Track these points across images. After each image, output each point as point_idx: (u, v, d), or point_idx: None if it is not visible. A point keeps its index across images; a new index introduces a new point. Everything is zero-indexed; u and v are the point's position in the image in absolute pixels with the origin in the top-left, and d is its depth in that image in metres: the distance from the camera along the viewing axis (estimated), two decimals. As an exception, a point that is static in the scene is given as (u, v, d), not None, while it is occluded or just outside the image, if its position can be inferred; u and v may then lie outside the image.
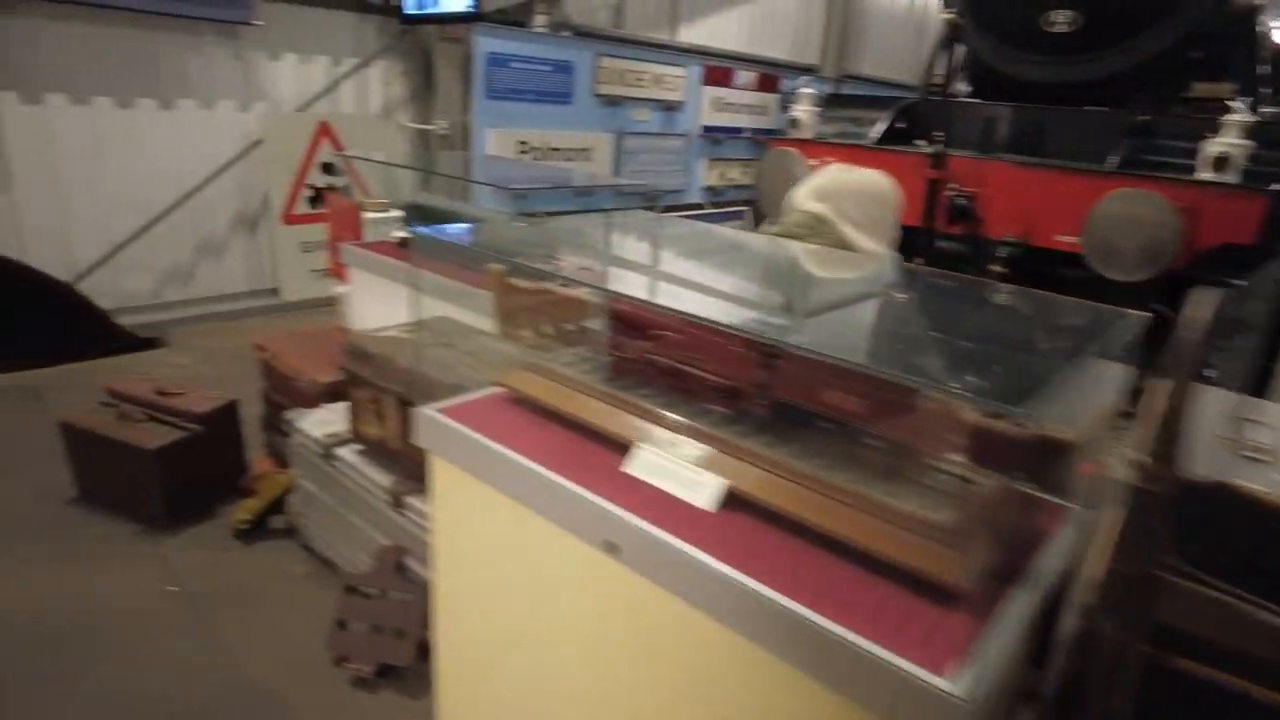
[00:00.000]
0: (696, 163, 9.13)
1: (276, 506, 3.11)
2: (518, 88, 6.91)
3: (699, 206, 9.38)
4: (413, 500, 2.38)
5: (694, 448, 1.44)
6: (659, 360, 1.65)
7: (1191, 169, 3.65)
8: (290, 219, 5.94)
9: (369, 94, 6.39)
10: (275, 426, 3.53)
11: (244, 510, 3.05)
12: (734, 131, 9.43)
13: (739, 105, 9.37)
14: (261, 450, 3.58)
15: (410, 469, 2.43)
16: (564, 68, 7.25)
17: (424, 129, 6.64)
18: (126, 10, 4.92)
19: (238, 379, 4.63)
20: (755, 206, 8.03)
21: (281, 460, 3.45)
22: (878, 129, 6.00)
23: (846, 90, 10.50)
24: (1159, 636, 1.20)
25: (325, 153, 6.06)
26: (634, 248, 2.40)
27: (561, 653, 1.53)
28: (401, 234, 3.96)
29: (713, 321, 1.39)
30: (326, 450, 2.67)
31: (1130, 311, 1.47)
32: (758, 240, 2.46)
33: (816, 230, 2.05)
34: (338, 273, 4.14)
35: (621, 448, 1.49)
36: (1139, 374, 1.42)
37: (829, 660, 1.08)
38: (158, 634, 2.56)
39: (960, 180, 4.21)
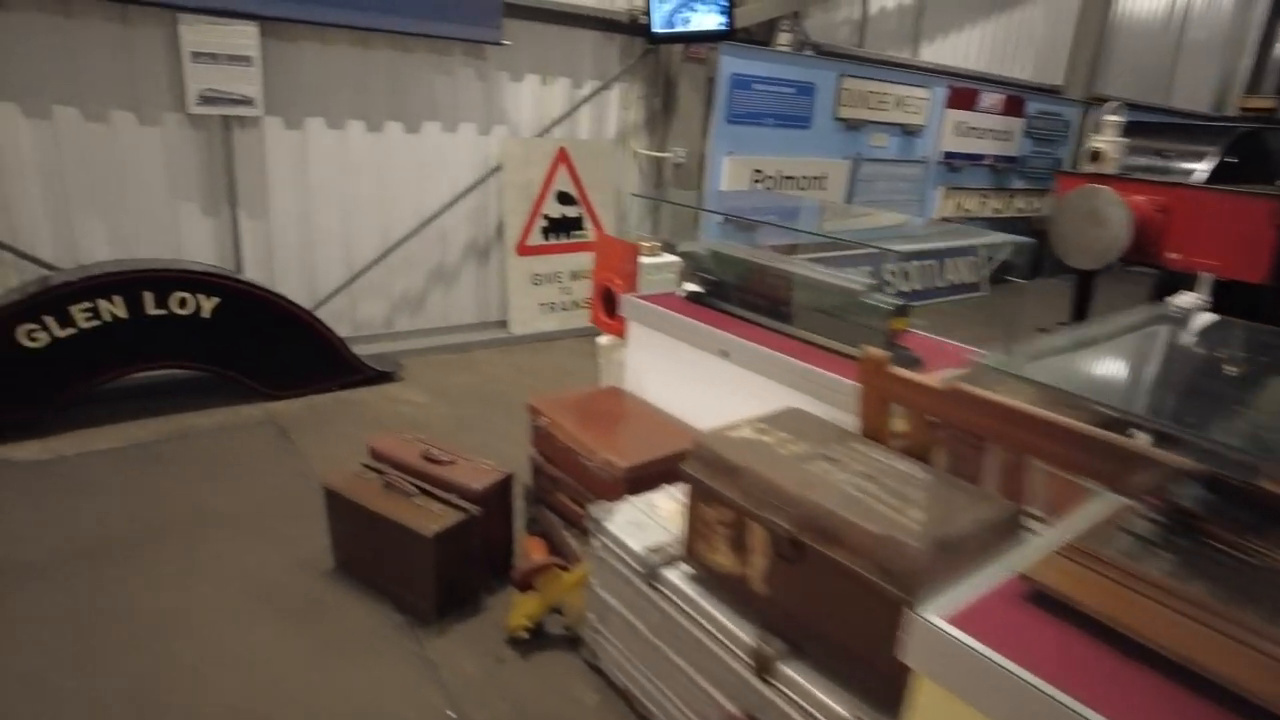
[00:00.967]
0: (932, 192, 8.23)
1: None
2: (758, 111, 6.34)
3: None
4: (787, 670, 1.77)
5: None
6: None
7: None
8: (523, 250, 5.64)
9: (606, 119, 6.02)
10: (544, 500, 3.07)
11: (522, 614, 2.57)
12: (975, 159, 8.45)
13: (982, 130, 8.38)
14: (525, 526, 3.14)
15: (776, 621, 1.82)
16: (806, 90, 6.61)
17: (659, 156, 6.20)
18: (387, 33, 4.75)
19: (478, 423, 4.29)
20: (1032, 247, 7.05)
21: (551, 543, 2.98)
22: (1204, 165, 4.95)
23: (1140, 118, 9.23)
24: None
25: (561, 180, 5.72)
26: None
27: None
28: (692, 287, 3.45)
29: None
30: (650, 571, 2.13)
31: None
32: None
33: None
34: (604, 323, 3.68)
35: None
36: None
37: None
38: (442, 782, 2.09)
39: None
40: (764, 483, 1.82)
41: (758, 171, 6.50)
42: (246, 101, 4.38)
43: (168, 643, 2.53)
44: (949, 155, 8.15)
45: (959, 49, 8.48)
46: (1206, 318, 2.35)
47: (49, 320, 3.66)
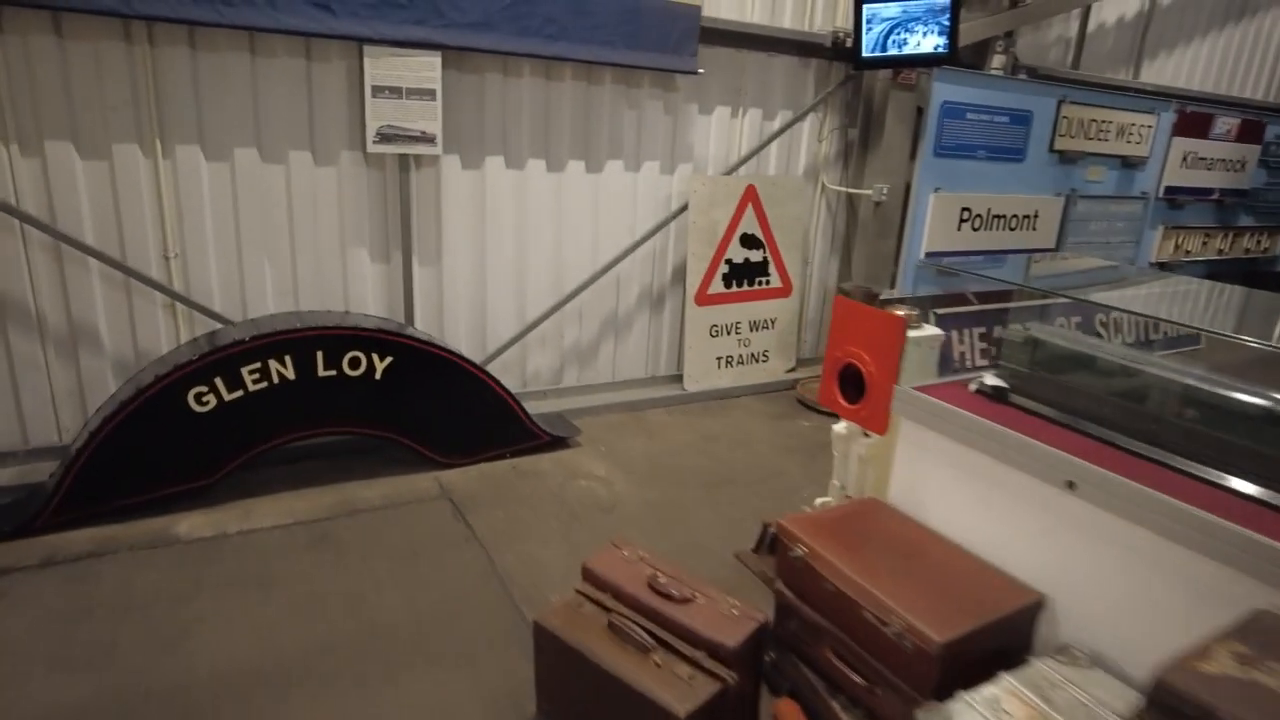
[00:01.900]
0: (1150, 232, 7.15)
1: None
2: (969, 143, 5.55)
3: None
4: None
5: None
6: None
7: None
8: (702, 299, 5.05)
9: (796, 152, 5.38)
10: (796, 648, 2.42)
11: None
12: (1202, 193, 7.31)
13: (1211, 159, 7.24)
14: (764, 672, 2.50)
15: None
16: (1021, 118, 5.77)
17: (853, 193, 5.50)
18: (576, 63, 4.29)
19: (673, 510, 3.67)
20: None
21: (809, 712, 2.32)
22: None
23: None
24: None
25: (746, 221, 5.12)
26: None
27: None
28: (994, 381, 2.74)
29: None
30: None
31: None
32: None
33: None
34: (844, 407, 3.01)
35: None
36: None
37: None
38: None
39: None
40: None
41: (966, 210, 5.69)
42: (426, 139, 4.00)
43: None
44: (1171, 190, 7.06)
45: (1183, 67, 7.39)
46: None
47: (219, 382, 3.32)
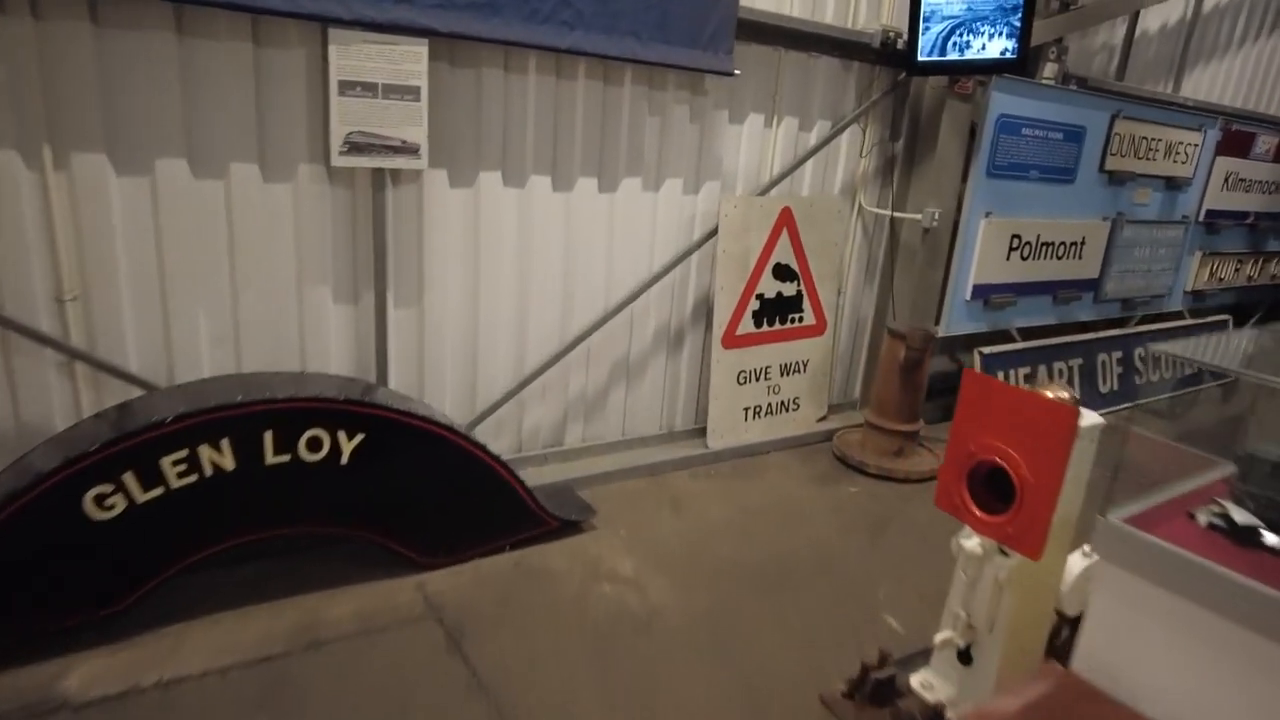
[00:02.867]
0: (1187, 258, 6.62)
1: None
2: (1022, 161, 4.90)
3: (1179, 315, 6.83)
4: None
5: None
6: None
7: None
8: (731, 340, 4.29)
9: (833, 168, 4.65)
10: None
11: None
12: (1239, 217, 6.81)
13: (1250, 181, 6.74)
14: None
15: None
16: (1074, 135, 5.14)
17: (899, 217, 4.79)
18: (591, 58, 3.49)
19: (731, 631, 2.84)
20: None
21: None
22: None
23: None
24: None
25: (780, 249, 4.37)
26: None
27: None
28: (1244, 516, 1.97)
29: None
30: None
31: None
32: None
33: None
34: (976, 517, 2.29)
35: None
36: None
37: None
38: None
39: None
40: None
41: (1015, 237, 5.05)
42: (408, 149, 3.16)
43: None
44: (1212, 214, 6.53)
45: (1218, 80, 6.87)
46: None
47: (129, 480, 2.44)
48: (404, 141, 3.15)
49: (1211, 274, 6.88)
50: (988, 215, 4.82)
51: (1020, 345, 5.41)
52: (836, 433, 4.76)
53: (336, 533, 2.90)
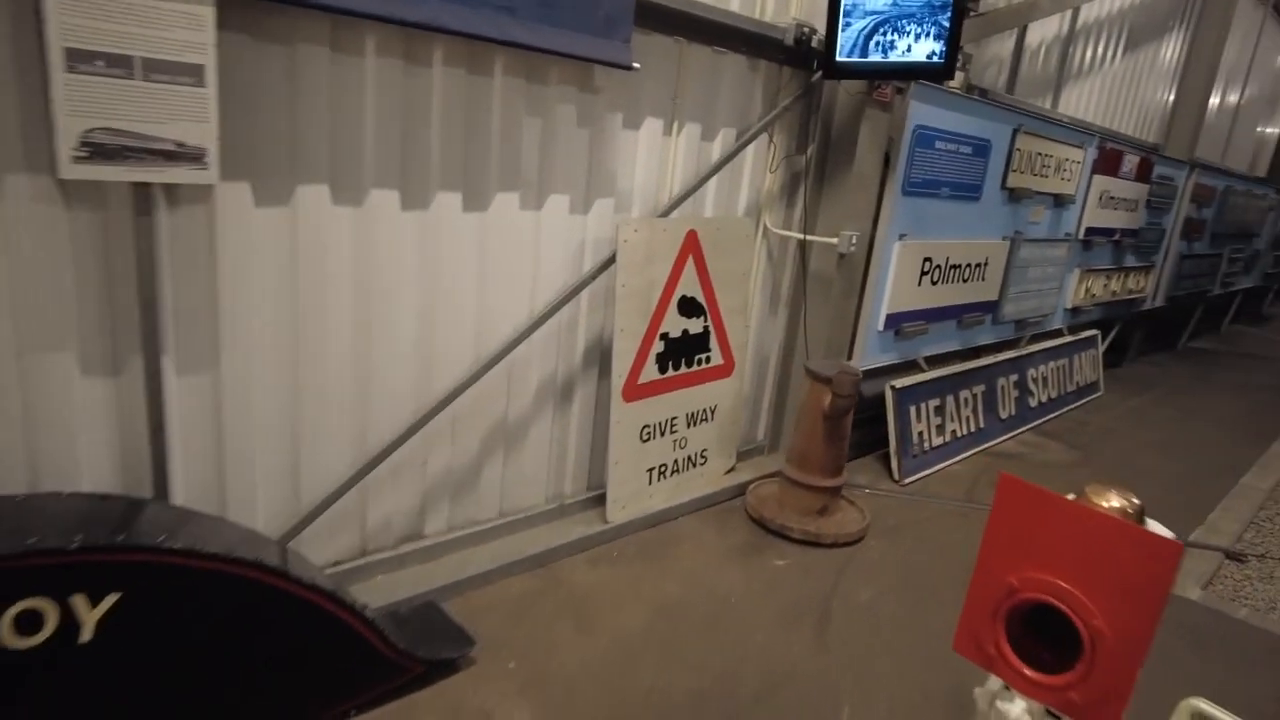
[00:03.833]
0: (1068, 276, 6.54)
1: None
2: (935, 178, 4.47)
3: (1059, 333, 6.76)
4: None
5: None
6: None
7: None
8: (633, 392, 3.53)
9: (738, 185, 4.01)
10: None
11: None
12: (1109, 234, 6.83)
13: (1118, 199, 6.77)
14: None
15: None
16: (982, 149, 4.79)
17: (812, 241, 4.20)
18: (453, 37, 2.63)
19: None
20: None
21: None
22: None
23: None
24: None
25: (688, 280, 3.66)
26: None
27: None
28: None
29: None
30: None
31: None
32: None
33: None
34: (1023, 678, 1.65)
35: None
36: None
37: None
38: None
39: None
40: None
41: (928, 260, 4.61)
42: (188, 155, 2.17)
43: None
44: (1091, 231, 6.49)
45: (1084, 100, 6.88)
46: None
47: None
48: (180, 144, 2.16)
49: (1087, 291, 6.87)
50: (902, 238, 4.34)
51: (930, 375, 5.01)
52: (749, 487, 4.12)
53: (75, 745, 1.89)
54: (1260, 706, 2.92)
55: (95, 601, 1.79)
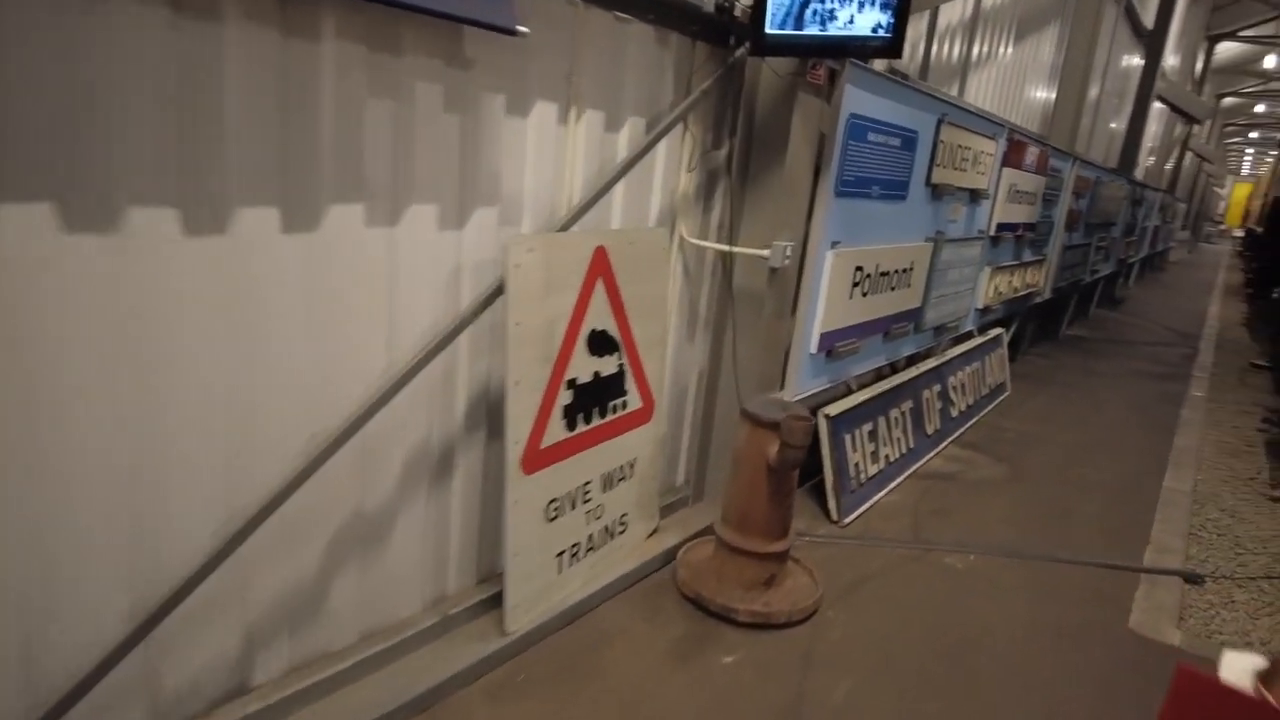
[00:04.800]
0: (980, 275, 6.21)
1: None
2: (867, 175, 3.89)
3: (969, 336, 6.44)
4: None
5: None
6: None
7: None
8: (536, 459, 2.71)
9: (649, 188, 3.26)
10: None
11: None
12: (1013, 229, 6.56)
13: (1022, 193, 6.52)
14: None
15: None
16: (910, 141, 4.27)
17: (737, 253, 3.51)
18: (247, -29, 1.73)
19: None
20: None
21: None
22: None
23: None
24: None
25: (595, 309, 2.88)
26: None
27: None
28: None
29: None
30: None
31: None
32: None
33: None
34: None
35: None
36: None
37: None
38: None
39: None
40: None
41: (859, 270, 4.04)
42: None
43: None
44: (1002, 227, 6.18)
45: (982, 89, 6.59)
46: None
47: None
48: None
49: (996, 290, 6.59)
50: (835, 246, 3.74)
51: (863, 397, 4.46)
52: (678, 553, 3.40)
53: None
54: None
55: None
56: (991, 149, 5.56)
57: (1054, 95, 8.44)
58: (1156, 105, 13.97)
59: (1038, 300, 8.19)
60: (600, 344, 2.91)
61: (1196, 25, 18.75)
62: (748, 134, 3.45)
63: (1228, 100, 28.54)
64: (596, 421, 2.97)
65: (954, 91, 5.92)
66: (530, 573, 2.76)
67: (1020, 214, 6.58)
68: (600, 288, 2.85)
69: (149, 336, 1.83)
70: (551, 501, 2.81)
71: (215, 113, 1.83)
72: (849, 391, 4.48)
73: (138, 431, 1.85)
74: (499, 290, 2.49)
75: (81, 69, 1.61)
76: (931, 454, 5.23)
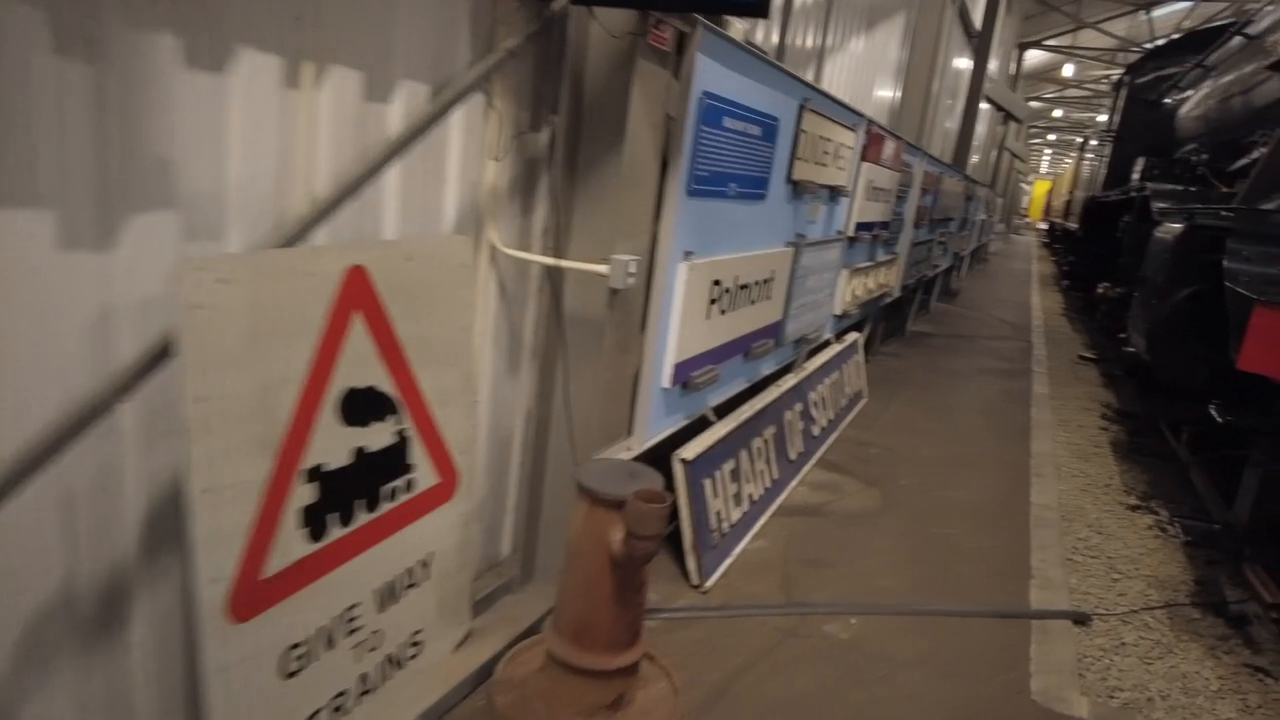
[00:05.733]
0: (839, 280, 5.75)
1: None
2: (723, 170, 3.19)
3: (826, 345, 5.99)
4: None
5: None
6: None
7: None
8: (251, 600, 1.78)
9: (439, 182, 2.38)
10: None
11: None
12: (870, 229, 6.16)
13: (880, 190, 6.13)
14: None
15: None
16: (770, 130, 3.62)
17: (569, 269, 2.69)
18: None
19: None
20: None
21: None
22: None
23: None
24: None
25: (352, 354, 1.98)
26: None
27: None
28: None
29: None
30: None
31: None
32: None
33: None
34: None
35: None
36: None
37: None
38: None
39: None
40: None
41: (716, 284, 3.34)
42: None
43: None
44: (861, 226, 5.74)
45: (836, 77, 6.14)
46: None
47: None
48: None
49: (853, 294, 6.17)
50: (688, 256, 3.01)
51: (721, 432, 3.79)
52: (495, 669, 2.56)
53: None
54: None
55: None
56: (852, 141, 5.07)
57: (899, 92, 8.25)
58: (983, 105, 14.46)
59: (889, 300, 7.96)
60: (363, 408, 2.02)
61: (1011, 33, 19.84)
62: (575, 113, 2.64)
63: (1032, 104, 30.87)
64: (363, 519, 2.08)
65: (810, 77, 5.40)
66: (259, 761, 1.84)
67: (877, 212, 6.19)
68: (360, 326, 1.96)
69: None
70: (292, 649, 1.90)
71: None
72: (706, 424, 3.80)
73: None
74: (164, 352, 1.55)
75: None
76: (795, 481, 4.68)
